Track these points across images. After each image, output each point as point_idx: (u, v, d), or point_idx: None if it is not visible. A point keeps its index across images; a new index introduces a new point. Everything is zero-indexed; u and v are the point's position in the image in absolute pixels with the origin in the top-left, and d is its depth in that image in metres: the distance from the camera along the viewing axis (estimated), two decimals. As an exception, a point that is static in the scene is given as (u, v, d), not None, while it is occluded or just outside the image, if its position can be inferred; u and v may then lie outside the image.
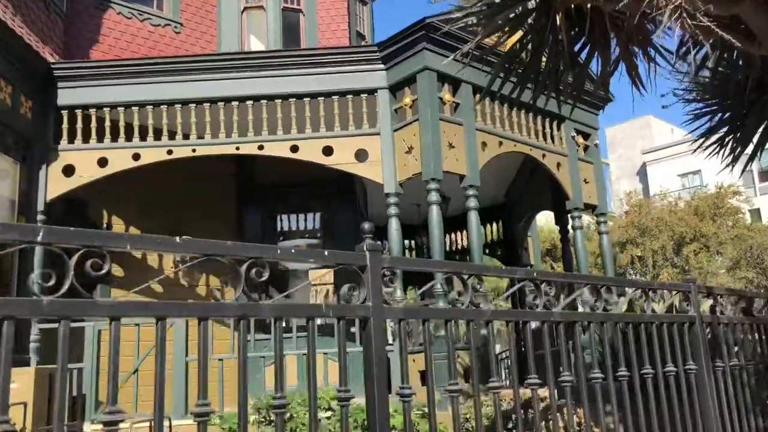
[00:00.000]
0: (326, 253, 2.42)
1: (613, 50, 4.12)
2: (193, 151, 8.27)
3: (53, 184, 8.07)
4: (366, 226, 2.35)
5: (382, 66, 8.42)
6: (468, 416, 5.82)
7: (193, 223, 9.38)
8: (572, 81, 4.61)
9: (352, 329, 7.73)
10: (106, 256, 1.83)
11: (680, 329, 4.04)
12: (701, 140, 5.51)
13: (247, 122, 8.28)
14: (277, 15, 11.22)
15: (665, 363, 3.92)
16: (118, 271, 9.12)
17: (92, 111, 8.24)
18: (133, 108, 8.29)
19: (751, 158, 5.60)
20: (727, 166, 5.54)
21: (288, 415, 6.30)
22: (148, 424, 5.93)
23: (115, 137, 8.24)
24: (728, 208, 29.09)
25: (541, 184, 10.65)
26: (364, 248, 2.46)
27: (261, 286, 2.25)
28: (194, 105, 8.33)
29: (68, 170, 8.13)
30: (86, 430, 6.58)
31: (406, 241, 14.18)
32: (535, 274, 3.16)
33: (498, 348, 17.85)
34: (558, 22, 3.79)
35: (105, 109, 8.33)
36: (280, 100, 8.33)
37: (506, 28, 4.05)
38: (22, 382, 5.71)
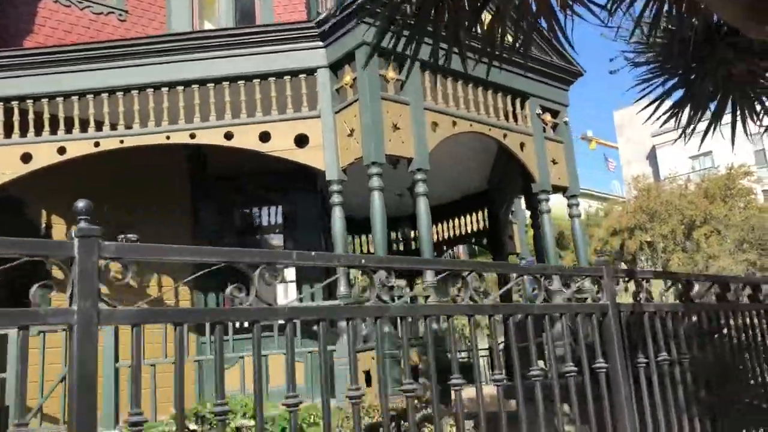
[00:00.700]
0: (11, 241, 1.84)
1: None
2: (121, 142, 7.72)
3: (-26, 183, 7.57)
4: (80, 204, 1.77)
5: (321, 43, 7.80)
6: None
7: (147, 218, 8.87)
8: (479, 37, 3.95)
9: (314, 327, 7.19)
10: None
11: (586, 321, 3.42)
12: (652, 109, 4.87)
13: (178, 109, 7.72)
14: (230, -2, 10.65)
15: (564, 361, 3.30)
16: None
17: (14, 104, 7.73)
18: (57, 99, 7.75)
19: (714, 126, 4.94)
20: (683, 133, 4.90)
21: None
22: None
23: (39, 131, 7.72)
24: (740, 189, 28.10)
25: (516, 167, 9.91)
26: (73, 235, 1.89)
27: None
28: (122, 93, 7.77)
29: (-11, 167, 7.62)
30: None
31: (393, 234, 13.56)
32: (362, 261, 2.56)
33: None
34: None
35: (28, 101, 7.80)
36: (212, 84, 7.75)
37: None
38: None
